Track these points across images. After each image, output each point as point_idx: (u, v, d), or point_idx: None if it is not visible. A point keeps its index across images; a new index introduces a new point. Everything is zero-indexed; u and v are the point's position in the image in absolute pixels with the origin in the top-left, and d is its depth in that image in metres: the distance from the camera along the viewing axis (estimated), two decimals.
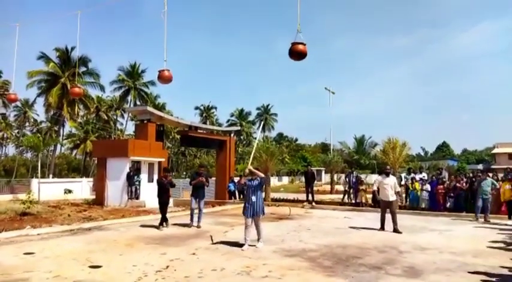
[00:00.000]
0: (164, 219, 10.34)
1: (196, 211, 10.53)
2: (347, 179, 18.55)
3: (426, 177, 16.17)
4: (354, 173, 18.50)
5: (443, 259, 6.82)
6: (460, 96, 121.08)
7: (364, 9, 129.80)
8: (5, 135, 53.05)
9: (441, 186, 14.47)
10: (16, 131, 56.98)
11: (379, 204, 15.17)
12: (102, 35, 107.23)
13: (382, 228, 9.90)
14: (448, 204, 14.23)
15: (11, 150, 61.89)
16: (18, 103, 43.96)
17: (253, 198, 7.58)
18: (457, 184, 14.34)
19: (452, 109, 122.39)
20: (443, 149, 78.21)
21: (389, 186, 9.77)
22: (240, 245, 7.66)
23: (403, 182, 16.65)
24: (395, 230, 9.56)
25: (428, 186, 14.91)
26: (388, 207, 9.85)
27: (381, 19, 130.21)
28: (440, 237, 9.24)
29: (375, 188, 10.10)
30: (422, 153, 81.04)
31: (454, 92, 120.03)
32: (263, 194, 7.82)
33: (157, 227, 10.11)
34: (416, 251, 7.48)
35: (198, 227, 10.30)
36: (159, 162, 18.39)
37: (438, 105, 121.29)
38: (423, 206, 14.80)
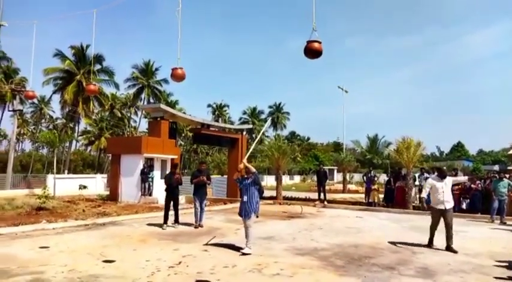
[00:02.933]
0: (176, 217, 10.14)
1: (198, 210, 10.20)
2: (364, 178, 18.46)
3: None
4: (372, 172, 18.39)
5: (458, 260, 6.72)
6: (475, 96, 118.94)
7: (375, 8, 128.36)
8: (22, 131, 54.04)
9: (455, 187, 14.25)
10: (32, 127, 58.07)
11: (393, 204, 15.20)
12: (116, 33, 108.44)
13: (431, 243, 7.90)
14: (463, 205, 14.01)
15: (27, 146, 63.23)
16: (34, 100, 44.73)
17: (245, 198, 7.16)
18: (472, 185, 14.11)
19: (468, 109, 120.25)
20: (458, 149, 76.95)
21: (446, 191, 7.79)
22: (238, 248, 7.19)
23: (416, 183, 16.48)
24: (449, 248, 7.56)
25: None
26: (443, 218, 7.77)
27: (393, 19, 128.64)
28: (455, 238, 9.08)
29: (425, 194, 8.07)
30: (437, 153, 79.92)
31: (469, 92, 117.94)
32: (257, 193, 7.23)
33: (171, 225, 9.90)
34: (430, 252, 7.40)
35: (200, 226, 9.92)
36: (172, 159, 18.53)
37: (453, 104, 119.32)
38: None
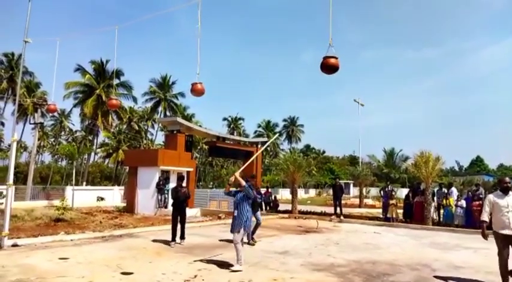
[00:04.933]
0: (182, 234, 9.50)
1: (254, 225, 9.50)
2: (381, 193, 18.22)
3: (457, 192, 15.61)
4: (390, 187, 18.14)
5: (480, 279, 6.51)
6: (494, 108, 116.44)
7: (391, 21, 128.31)
8: (42, 144, 55.28)
9: (477, 203, 13.88)
10: (52, 139, 59.41)
11: (411, 219, 14.88)
12: (133, 47, 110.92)
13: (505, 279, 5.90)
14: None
15: (47, 158, 64.57)
16: (55, 113, 45.86)
17: (235, 212, 6.93)
18: None
19: (487, 122, 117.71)
20: (477, 164, 75.25)
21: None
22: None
23: (435, 198, 16.14)
24: None
25: (463, 203, 14.36)
26: (510, 245, 5.90)
27: (410, 31, 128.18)
28: (476, 255, 8.85)
29: (486, 216, 6.09)
30: (456, 168, 78.30)
31: (487, 104, 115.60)
32: (248, 207, 6.97)
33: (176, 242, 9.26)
34: (451, 270, 7.19)
35: (252, 242, 9.47)
36: (188, 172, 18.66)
37: (471, 117, 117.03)
38: (457, 222, 14.23)
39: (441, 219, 15.40)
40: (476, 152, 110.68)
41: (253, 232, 9.63)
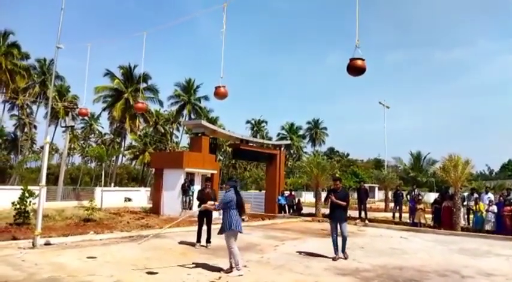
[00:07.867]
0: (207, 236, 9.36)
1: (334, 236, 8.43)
2: (408, 197, 17.88)
3: (492, 198, 15.10)
4: (416, 190, 17.76)
5: None
6: None
7: (418, 22, 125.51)
8: (72, 146, 57.11)
9: (508, 208, 13.38)
10: (82, 142, 61.30)
11: (440, 225, 14.48)
12: (159, 52, 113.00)
13: None
14: None
15: (77, 159, 66.70)
16: (86, 117, 47.28)
17: (222, 214, 6.89)
18: None
19: None
20: (509, 168, 72.32)
21: None
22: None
23: (465, 203, 15.69)
24: None
25: (494, 208, 13.87)
26: None
27: (436, 32, 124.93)
28: (508, 263, 8.54)
29: None
30: (487, 172, 75.48)
31: None
32: (232, 210, 6.72)
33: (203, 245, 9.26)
34: (481, 277, 6.96)
35: (345, 257, 8.20)
36: (212, 174, 18.86)
37: (503, 120, 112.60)
38: (488, 228, 13.75)
39: (470, 224, 14.94)
40: (507, 155, 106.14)
41: (344, 247, 8.35)
